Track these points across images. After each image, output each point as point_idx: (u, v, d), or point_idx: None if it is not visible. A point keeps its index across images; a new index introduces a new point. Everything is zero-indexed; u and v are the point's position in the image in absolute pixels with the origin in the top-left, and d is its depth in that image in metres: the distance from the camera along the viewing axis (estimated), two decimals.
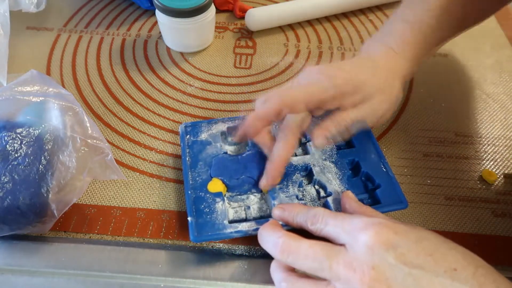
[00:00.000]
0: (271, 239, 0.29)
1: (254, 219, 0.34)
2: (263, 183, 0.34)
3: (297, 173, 0.36)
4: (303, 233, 0.29)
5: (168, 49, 0.52)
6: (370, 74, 0.35)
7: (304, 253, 0.27)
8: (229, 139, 0.40)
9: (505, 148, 0.43)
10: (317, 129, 0.34)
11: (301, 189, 0.36)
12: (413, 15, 0.37)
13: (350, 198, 0.33)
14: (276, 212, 0.32)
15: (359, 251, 0.26)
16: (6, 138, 0.31)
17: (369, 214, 0.31)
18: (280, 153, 0.34)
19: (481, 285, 0.24)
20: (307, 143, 0.39)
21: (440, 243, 0.26)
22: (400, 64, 0.37)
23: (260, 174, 0.35)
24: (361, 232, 0.26)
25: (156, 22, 0.55)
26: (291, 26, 0.56)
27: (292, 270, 0.29)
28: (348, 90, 0.34)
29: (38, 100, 0.33)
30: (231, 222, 0.34)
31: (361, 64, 0.36)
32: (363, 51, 0.39)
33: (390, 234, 0.26)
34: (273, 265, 0.30)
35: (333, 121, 0.34)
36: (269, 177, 0.34)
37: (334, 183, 0.36)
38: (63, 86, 0.47)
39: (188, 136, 0.39)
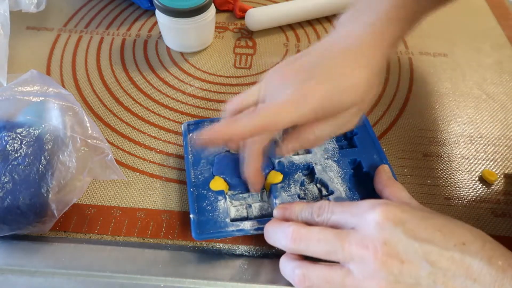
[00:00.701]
0: (280, 230, 0.29)
1: (256, 218, 0.34)
2: (252, 189, 0.36)
3: (299, 172, 0.36)
4: None
5: (168, 49, 0.52)
6: (349, 84, 0.29)
7: (316, 237, 0.27)
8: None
9: (505, 148, 0.43)
10: (282, 144, 0.32)
11: (303, 187, 0.36)
12: None
13: (383, 172, 0.34)
14: (277, 212, 0.32)
15: (369, 229, 0.26)
16: (6, 138, 0.31)
17: (396, 190, 0.32)
18: (250, 168, 0.34)
19: (490, 258, 0.24)
20: None
21: (447, 220, 0.27)
22: (383, 51, 0.31)
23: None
24: (368, 212, 0.27)
25: (156, 22, 0.55)
26: (291, 26, 0.56)
27: (303, 258, 0.29)
28: (324, 114, 0.30)
29: (38, 100, 0.33)
30: (233, 220, 0.34)
31: (340, 64, 0.30)
32: (339, 30, 0.32)
33: (398, 212, 0.26)
34: (283, 258, 0.30)
35: (298, 139, 0.32)
36: (251, 186, 0.35)
37: (336, 181, 0.36)
38: (63, 86, 0.47)
39: (190, 135, 0.39)
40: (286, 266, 0.29)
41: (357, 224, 0.27)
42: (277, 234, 0.30)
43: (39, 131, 0.32)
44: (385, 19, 0.31)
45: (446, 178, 0.40)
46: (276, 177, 0.36)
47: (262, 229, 0.32)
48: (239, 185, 0.36)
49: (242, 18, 0.56)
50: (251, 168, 0.34)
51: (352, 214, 0.28)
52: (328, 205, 0.29)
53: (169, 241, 0.35)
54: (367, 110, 0.34)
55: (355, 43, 0.30)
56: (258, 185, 0.35)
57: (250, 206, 0.35)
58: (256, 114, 0.29)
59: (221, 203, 0.34)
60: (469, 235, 0.26)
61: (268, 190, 0.36)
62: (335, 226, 0.28)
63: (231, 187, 0.36)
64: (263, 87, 0.32)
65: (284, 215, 0.32)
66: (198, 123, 0.40)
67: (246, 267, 0.33)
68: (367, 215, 0.26)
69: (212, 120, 0.40)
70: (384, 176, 0.34)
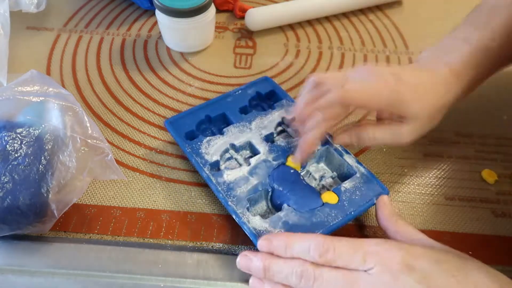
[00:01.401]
0: (285, 268, 0.28)
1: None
2: (296, 157, 0.36)
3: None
4: None
5: (168, 49, 0.52)
6: (424, 99, 0.33)
7: (327, 279, 0.27)
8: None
9: (505, 148, 0.43)
10: (342, 132, 0.36)
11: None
12: (477, 38, 0.35)
13: (385, 206, 0.33)
14: (262, 245, 0.30)
15: (381, 276, 0.25)
16: (6, 138, 0.31)
17: (402, 227, 0.31)
18: (311, 135, 0.35)
19: None
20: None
21: (462, 263, 0.26)
22: (455, 92, 0.35)
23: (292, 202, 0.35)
24: (383, 259, 0.26)
25: (156, 22, 0.55)
26: (291, 26, 0.56)
27: None
28: (388, 107, 0.33)
29: (38, 100, 0.33)
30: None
31: (418, 81, 0.34)
32: (421, 63, 0.37)
33: (411, 258, 0.26)
34: None
35: (355, 134, 0.36)
36: (300, 151, 0.36)
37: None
38: (63, 86, 0.47)
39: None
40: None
41: (369, 268, 0.26)
42: (281, 274, 0.28)
43: (39, 131, 0.32)
44: (461, 65, 0.35)
45: (446, 178, 0.40)
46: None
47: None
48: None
49: (242, 18, 0.56)
50: (312, 135, 0.35)
51: (364, 256, 0.26)
52: (332, 243, 0.27)
53: (169, 241, 0.35)
54: (421, 136, 0.35)
55: (438, 75, 0.34)
56: (306, 153, 0.36)
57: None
58: (342, 88, 0.32)
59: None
60: (485, 278, 0.25)
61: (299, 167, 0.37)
62: (340, 268, 0.27)
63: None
64: (349, 73, 0.34)
65: (269, 249, 0.29)
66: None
67: None
68: (383, 261, 0.26)
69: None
70: (386, 211, 0.33)
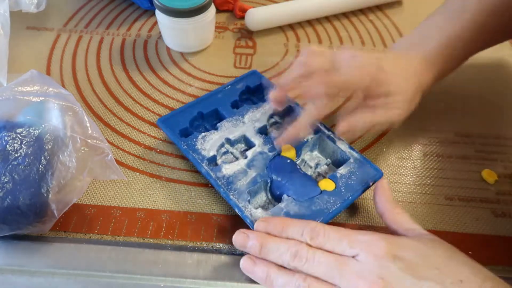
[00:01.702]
0: (282, 246, 0.29)
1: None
2: (280, 138, 0.36)
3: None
4: None
5: (168, 49, 0.52)
6: (404, 76, 0.35)
7: (317, 259, 0.28)
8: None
9: (505, 148, 0.43)
10: (344, 120, 0.35)
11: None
12: (452, 29, 0.37)
13: (383, 192, 0.33)
14: (259, 225, 0.31)
15: (368, 262, 0.26)
16: (6, 138, 0.31)
17: (398, 216, 0.31)
18: (302, 120, 0.35)
19: None
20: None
21: (449, 257, 0.27)
22: (428, 78, 0.37)
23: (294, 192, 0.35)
24: (370, 245, 0.27)
25: (156, 22, 0.55)
26: (291, 26, 0.56)
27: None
28: (373, 84, 0.34)
29: (38, 100, 0.33)
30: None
31: (397, 63, 0.36)
32: (397, 50, 0.39)
33: (399, 249, 0.27)
34: (278, 273, 0.29)
35: (360, 119, 0.35)
36: (286, 136, 0.36)
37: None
38: (63, 86, 0.47)
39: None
40: (289, 281, 0.28)
41: (357, 254, 0.27)
42: (278, 251, 0.29)
43: (39, 131, 0.32)
44: (434, 54, 0.37)
45: (446, 178, 0.40)
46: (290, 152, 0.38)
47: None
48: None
49: (242, 18, 0.56)
50: (301, 121, 0.35)
51: (350, 243, 0.28)
52: (323, 229, 0.29)
53: (169, 241, 0.35)
54: (404, 115, 0.36)
55: (413, 60, 0.37)
56: (291, 137, 0.36)
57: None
58: (333, 73, 0.33)
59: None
60: (468, 272, 0.26)
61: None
62: (329, 252, 0.28)
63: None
64: (336, 55, 0.35)
65: (266, 229, 0.31)
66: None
67: None
68: (368, 248, 0.27)
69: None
70: (384, 197, 0.33)
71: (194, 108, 0.41)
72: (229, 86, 0.43)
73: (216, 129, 0.39)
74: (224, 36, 0.55)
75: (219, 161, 0.38)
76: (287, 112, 0.41)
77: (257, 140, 0.38)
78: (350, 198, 0.34)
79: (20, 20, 0.54)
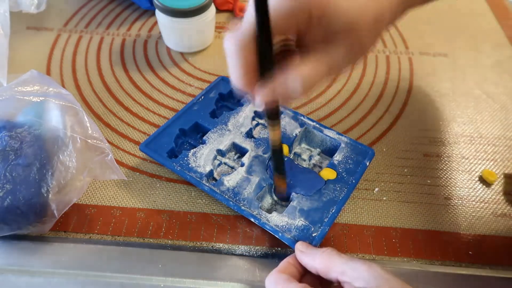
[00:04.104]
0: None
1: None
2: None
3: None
4: None
5: (168, 49, 0.52)
6: (357, 1, 0.24)
7: None
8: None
9: (505, 148, 0.43)
10: (262, 88, 0.24)
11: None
12: None
13: (301, 251, 0.30)
14: (298, 249, 0.30)
15: None
16: (6, 138, 0.31)
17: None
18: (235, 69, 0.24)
19: None
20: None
21: None
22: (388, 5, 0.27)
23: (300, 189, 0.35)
24: None
25: (156, 22, 0.55)
26: None
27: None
28: (326, 11, 0.24)
29: (38, 100, 0.33)
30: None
31: None
32: None
33: None
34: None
35: (280, 81, 0.24)
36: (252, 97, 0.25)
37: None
38: (63, 86, 0.47)
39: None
40: None
41: None
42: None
43: (39, 131, 0.32)
44: None
45: (446, 178, 0.40)
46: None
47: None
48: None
49: (242, 18, 0.56)
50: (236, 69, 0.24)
51: None
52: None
53: (169, 241, 0.35)
54: (360, 57, 0.27)
55: None
56: (247, 88, 0.24)
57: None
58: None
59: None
60: None
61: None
62: None
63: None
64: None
65: (302, 259, 0.30)
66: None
67: (246, 267, 0.33)
68: None
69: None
70: (303, 255, 0.30)
71: (174, 126, 0.39)
72: (202, 97, 0.42)
73: (203, 143, 0.38)
74: (224, 36, 0.55)
75: (215, 175, 0.37)
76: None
77: (248, 144, 0.38)
78: (354, 181, 0.35)
79: (20, 20, 0.54)
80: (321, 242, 0.32)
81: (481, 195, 0.39)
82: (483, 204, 0.38)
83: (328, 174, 0.36)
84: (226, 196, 0.34)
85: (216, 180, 0.37)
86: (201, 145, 0.38)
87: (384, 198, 0.38)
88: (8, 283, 0.32)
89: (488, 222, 0.37)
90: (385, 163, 0.41)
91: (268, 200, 0.36)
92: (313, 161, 0.39)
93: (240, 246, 0.34)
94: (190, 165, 0.36)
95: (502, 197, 0.39)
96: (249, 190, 0.35)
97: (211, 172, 0.36)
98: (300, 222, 0.33)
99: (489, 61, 0.52)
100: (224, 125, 0.39)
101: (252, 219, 0.33)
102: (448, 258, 0.34)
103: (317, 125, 0.39)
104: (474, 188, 0.39)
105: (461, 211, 0.38)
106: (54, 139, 0.32)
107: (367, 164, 0.37)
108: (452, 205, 0.38)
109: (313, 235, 0.32)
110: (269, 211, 0.35)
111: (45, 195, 0.31)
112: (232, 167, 0.38)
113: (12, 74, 0.42)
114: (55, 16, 0.56)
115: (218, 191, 0.35)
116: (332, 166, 0.36)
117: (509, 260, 0.34)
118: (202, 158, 0.37)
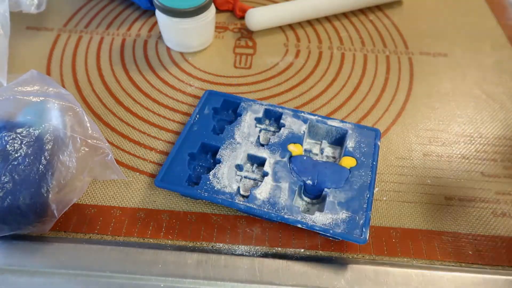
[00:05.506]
0: None
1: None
2: None
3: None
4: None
5: (168, 49, 0.52)
6: None
7: None
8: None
9: (505, 148, 0.43)
10: None
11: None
12: None
13: None
14: None
15: None
16: (6, 138, 0.31)
17: None
18: None
19: None
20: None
21: None
22: None
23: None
24: None
25: (156, 22, 0.55)
26: (291, 26, 0.56)
27: None
28: None
29: (38, 100, 0.33)
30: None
31: None
32: None
33: None
34: None
35: None
36: None
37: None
38: (63, 86, 0.47)
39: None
40: None
41: None
42: None
43: (39, 131, 0.32)
44: None
45: (446, 178, 0.40)
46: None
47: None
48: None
49: (242, 18, 0.56)
50: None
51: None
52: None
53: (169, 241, 0.35)
54: None
55: None
56: None
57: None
58: None
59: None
60: None
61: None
62: None
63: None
64: None
65: None
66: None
67: (246, 267, 0.33)
68: None
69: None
70: None
71: (182, 152, 0.38)
72: (197, 116, 0.41)
73: (217, 162, 0.37)
74: (224, 36, 0.55)
75: (242, 191, 0.36)
76: (270, 115, 0.42)
77: (263, 153, 0.37)
78: (374, 163, 0.37)
79: (20, 20, 0.54)
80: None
81: (481, 195, 0.39)
82: (483, 204, 0.38)
83: (349, 162, 0.37)
84: (265, 209, 0.33)
85: (244, 196, 0.35)
86: (217, 165, 0.36)
87: (384, 198, 0.38)
88: (8, 283, 0.32)
89: (488, 222, 0.37)
90: (385, 163, 0.41)
91: (299, 203, 0.36)
92: (326, 154, 0.39)
93: (240, 246, 0.34)
94: (215, 188, 0.35)
95: (502, 197, 0.39)
96: (284, 197, 0.34)
97: (239, 189, 0.35)
98: (343, 214, 0.33)
99: (489, 61, 0.52)
100: (232, 139, 0.38)
101: (299, 225, 0.33)
102: (448, 258, 0.34)
103: (320, 118, 0.40)
104: (474, 188, 0.39)
105: (461, 211, 0.38)
106: (54, 139, 0.32)
107: (379, 143, 0.38)
108: (452, 205, 0.38)
109: (360, 223, 0.33)
110: (307, 211, 0.35)
111: (45, 195, 0.31)
112: (254, 179, 0.37)
113: (12, 74, 0.42)
114: (55, 16, 0.56)
115: (255, 206, 0.34)
116: (349, 154, 0.37)
117: (509, 260, 0.34)
118: (224, 178, 0.36)
